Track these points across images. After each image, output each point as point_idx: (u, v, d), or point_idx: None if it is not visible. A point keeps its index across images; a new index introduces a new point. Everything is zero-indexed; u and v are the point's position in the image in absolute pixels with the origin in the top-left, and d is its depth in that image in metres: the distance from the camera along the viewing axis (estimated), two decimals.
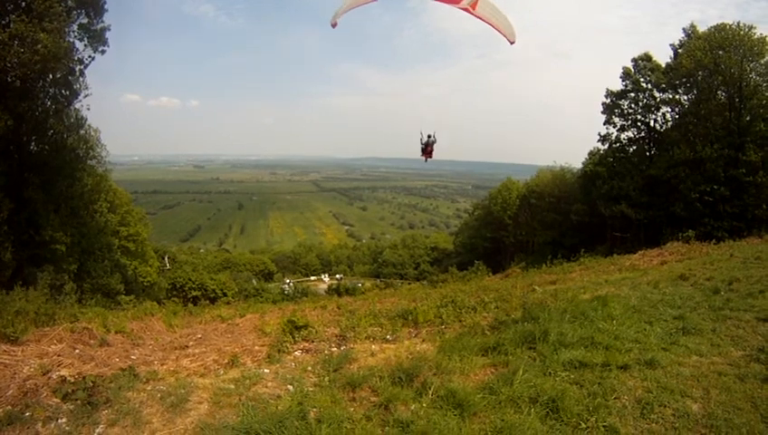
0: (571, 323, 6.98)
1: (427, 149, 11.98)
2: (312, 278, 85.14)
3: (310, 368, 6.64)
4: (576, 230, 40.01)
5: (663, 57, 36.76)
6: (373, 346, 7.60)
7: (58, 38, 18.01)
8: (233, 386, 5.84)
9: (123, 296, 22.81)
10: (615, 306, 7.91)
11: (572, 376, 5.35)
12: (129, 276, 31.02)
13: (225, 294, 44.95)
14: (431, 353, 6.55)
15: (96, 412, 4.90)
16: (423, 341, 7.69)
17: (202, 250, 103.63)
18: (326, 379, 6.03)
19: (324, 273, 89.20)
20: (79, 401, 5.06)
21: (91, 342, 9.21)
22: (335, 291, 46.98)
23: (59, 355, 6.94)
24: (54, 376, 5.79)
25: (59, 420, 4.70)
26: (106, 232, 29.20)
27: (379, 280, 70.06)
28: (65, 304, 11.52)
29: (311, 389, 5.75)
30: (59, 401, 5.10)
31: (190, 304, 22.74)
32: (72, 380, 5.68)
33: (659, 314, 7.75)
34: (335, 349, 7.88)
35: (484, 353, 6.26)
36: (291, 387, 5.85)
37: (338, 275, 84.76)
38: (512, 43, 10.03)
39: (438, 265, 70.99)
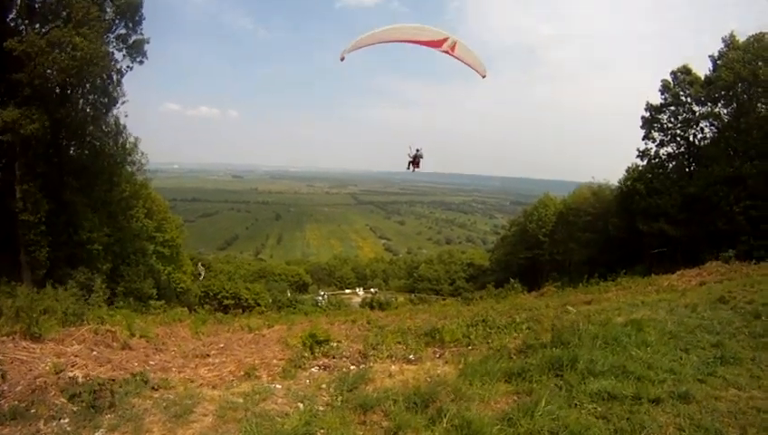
0: (603, 349, 6.70)
1: (415, 162, 13.36)
2: (347, 291, 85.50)
3: (324, 386, 6.59)
4: (613, 248, 39.15)
5: (702, 68, 35.87)
6: (393, 366, 7.48)
7: (95, 42, 19.16)
8: (241, 400, 5.84)
9: (154, 301, 23.56)
10: (650, 332, 7.60)
11: (599, 409, 5.07)
12: (162, 282, 32.03)
13: (258, 304, 45.64)
14: (452, 377, 6.38)
15: (99, 416, 5.00)
16: (446, 363, 7.55)
17: (238, 258, 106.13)
18: (339, 399, 5.94)
19: (359, 286, 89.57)
20: (84, 403, 5.15)
21: (114, 344, 9.50)
22: (369, 305, 47.00)
23: (76, 356, 7.16)
24: (66, 376, 5.95)
25: (61, 420, 4.83)
26: (141, 237, 30.47)
27: (413, 295, 69.75)
28: (94, 305, 11.96)
29: (321, 408, 5.69)
30: (65, 401, 5.24)
31: (220, 313, 23.22)
32: (83, 381, 5.82)
33: (696, 340, 7.41)
34: (353, 367, 7.78)
35: (507, 380, 6.06)
36: (301, 405, 5.80)
37: (372, 289, 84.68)
38: (483, 76, 11.81)
39: (474, 282, 70.27)
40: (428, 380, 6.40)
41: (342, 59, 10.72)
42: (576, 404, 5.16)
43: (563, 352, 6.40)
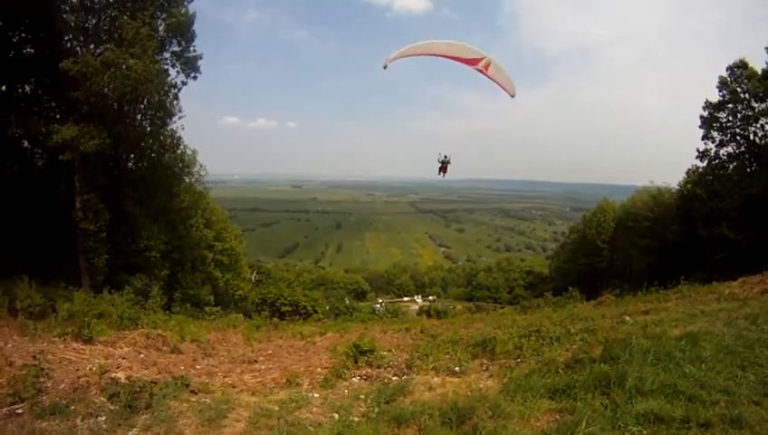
0: (654, 365, 6.29)
1: (443, 167, 14.52)
2: (405, 299, 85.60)
3: (363, 396, 6.54)
4: (674, 255, 38.35)
5: (759, 62, 33.84)
6: (435, 379, 7.32)
7: (147, 62, 20.28)
8: (276, 408, 5.91)
9: (210, 307, 24.54)
10: (706, 346, 7.08)
11: (645, 432, 4.71)
12: (220, 289, 33.39)
13: (316, 311, 46.39)
14: (494, 392, 6.17)
15: (135, 416, 5.21)
16: (490, 376, 7.29)
17: (297, 267, 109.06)
18: (375, 410, 5.88)
19: (418, 294, 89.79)
20: (122, 403, 5.36)
21: (164, 348, 9.94)
22: (426, 313, 46.69)
23: (123, 358, 7.53)
24: (109, 377, 6.23)
25: (98, 418, 5.07)
26: (201, 246, 31.99)
27: (471, 303, 68.86)
28: (150, 311, 12.60)
29: (356, 419, 5.63)
30: (104, 400, 5.49)
31: (276, 319, 23.80)
32: (124, 382, 6.06)
33: (755, 356, 6.79)
34: (395, 378, 7.66)
35: (551, 396, 5.76)
36: (336, 415, 5.78)
37: (431, 297, 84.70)
38: (512, 96, 12.72)
39: (533, 290, 69.10)
40: (469, 394, 6.21)
41: (385, 67, 11.56)
42: (620, 426, 4.83)
43: (612, 369, 6.08)
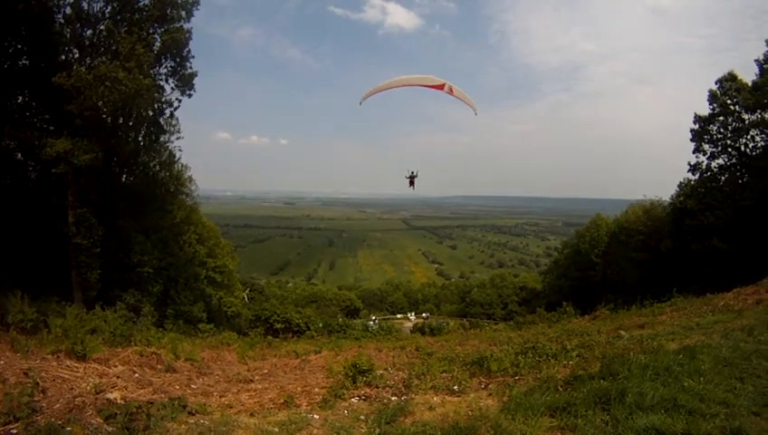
0: (653, 380, 6.37)
1: (411, 181, 16.75)
2: (399, 316, 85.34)
3: (363, 417, 6.43)
4: (667, 268, 38.37)
5: (749, 75, 34.54)
6: (435, 398, 7.28)
7: (138, 76, 20.18)
8: (276, 429, 5.78)
9: (203, 325, 24.27)
10: (704, 359, 7.21)
11: None
12: (213, 306, 33.05)
13: (309, 328, 46.02)
14: (494, 411, 6.12)
15: None
16: (490, 395, 7.26)
17: (290, 284, 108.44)
18: (376, 432, 5.79)
19: (411, 311, 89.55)
20: (119, 425, 5.20)
21: (158, 367, 9.77)
22: (420, 330, 46.45)
23: (118, 377, 7.37)
24: (105, 397, 6.09)
25: None
26: (193, 262, 31.76)
27: (465, 320, 68.65)
28: (142, 327, 12.42)
29: None
30: (101, 421, 5.32)
31: (270, 337, 23.57)
32: (121, 403, 5.92)
33: (752, 368, 6.96)
34: (394, 398, 7.56)
35: (552, 414, 5.77)
36: None
37: (424, 314, 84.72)
38: (476, 114, 15.39)
39: (527, 306, 69.34)
40: (470, 413, 6.16)
41: (360, 103, 13.91)
42: None
43: (611, 385, 6.15)
